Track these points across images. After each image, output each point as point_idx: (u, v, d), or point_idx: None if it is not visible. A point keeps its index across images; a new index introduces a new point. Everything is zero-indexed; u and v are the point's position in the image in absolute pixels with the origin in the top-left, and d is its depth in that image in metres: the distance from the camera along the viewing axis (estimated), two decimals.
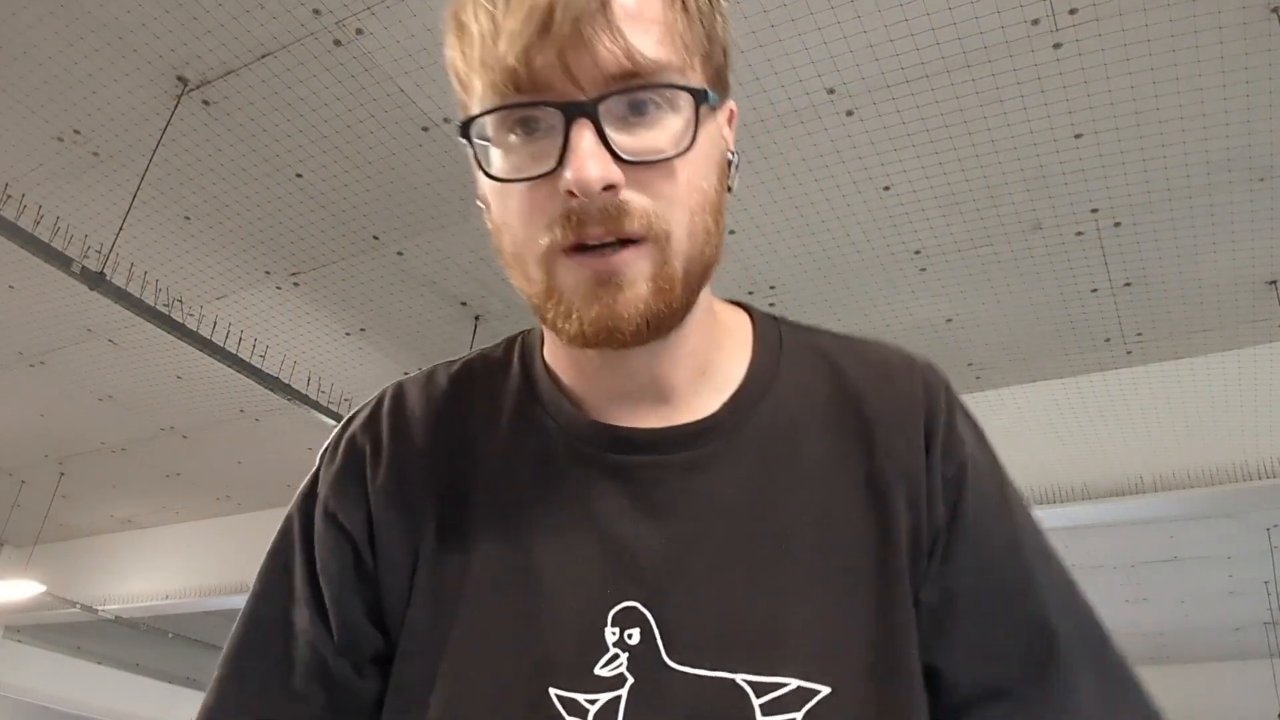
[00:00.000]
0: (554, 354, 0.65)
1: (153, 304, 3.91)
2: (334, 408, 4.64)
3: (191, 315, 4.78)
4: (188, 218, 4.31)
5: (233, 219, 4.28)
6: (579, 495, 0.60)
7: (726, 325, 0.65)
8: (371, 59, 3.36)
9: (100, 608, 7.72)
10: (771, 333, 0.66)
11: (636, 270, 0.53)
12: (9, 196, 4.10)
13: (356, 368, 5.44)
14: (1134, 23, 2.99)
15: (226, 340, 4.42)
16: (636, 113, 0.53)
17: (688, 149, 0.53)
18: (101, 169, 4.04)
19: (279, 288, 4.77)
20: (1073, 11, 2.97)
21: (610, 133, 0.51)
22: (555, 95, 0.52)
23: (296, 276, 4.66)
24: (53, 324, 5.24)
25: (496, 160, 0.55)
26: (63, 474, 7.14)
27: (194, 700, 10.75)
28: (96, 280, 3.61)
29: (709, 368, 0.62)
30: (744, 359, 0.64)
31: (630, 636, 0.56)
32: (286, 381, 4.51)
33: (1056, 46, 3.08)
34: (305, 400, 4.50)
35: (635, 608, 0.56)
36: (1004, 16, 3.00)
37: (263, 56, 3.42)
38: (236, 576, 7.49)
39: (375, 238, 4.30)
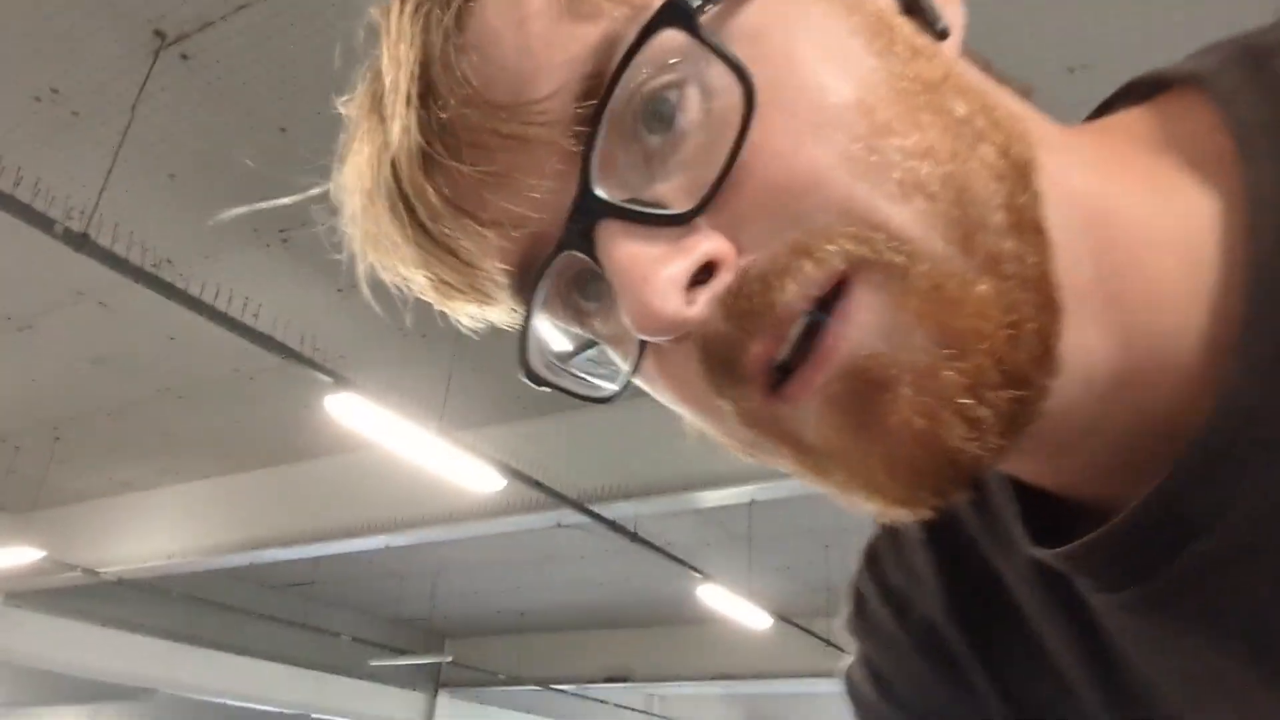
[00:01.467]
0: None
1: (140, 265, 3.86)
2: (328, 365, 4.61)
3: (181, 275, 4.72)
4: (172, 176, 4.24)
5: (217, 176, 4.21)
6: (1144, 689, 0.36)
7: (1158, 187, 0.32)
8: (353, 5, 3.28)
9: (101, 570, 7.77)
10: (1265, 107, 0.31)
11: (868, 336, 0.28)
12: None
13: (349, 325, 5.41)
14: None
15: (217, 299, 4.37)
16: (637, 133, 0.31)
17: (747, 93, 0.29)
18: (81, 128, 3.96)
19: (268, 245, 4.71)
20: None
21: (630, 198, 0.31)
22: (518, 232, 0.33)
23: (285, 234, 4.60)
24: (40, 287, 5.18)
25: (612, 374, 0.36)
26: (58, 438, 7.13)
27: (196, 657, 10.93)
28: (81, 241, 3.55)
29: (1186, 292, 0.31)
30: (1229, 218, 0.30)
31: None
32: (280, 340, 4.47)
33: None
34: (299, 358, 4.47)
35: None
36: None
37: (240, 8, 3.33)
38: (238, 535, 7.53)
39: None
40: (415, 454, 4.83)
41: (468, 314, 0.39)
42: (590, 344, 0.36)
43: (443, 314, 0.44)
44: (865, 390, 0.28)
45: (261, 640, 11.20)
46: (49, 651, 9.98)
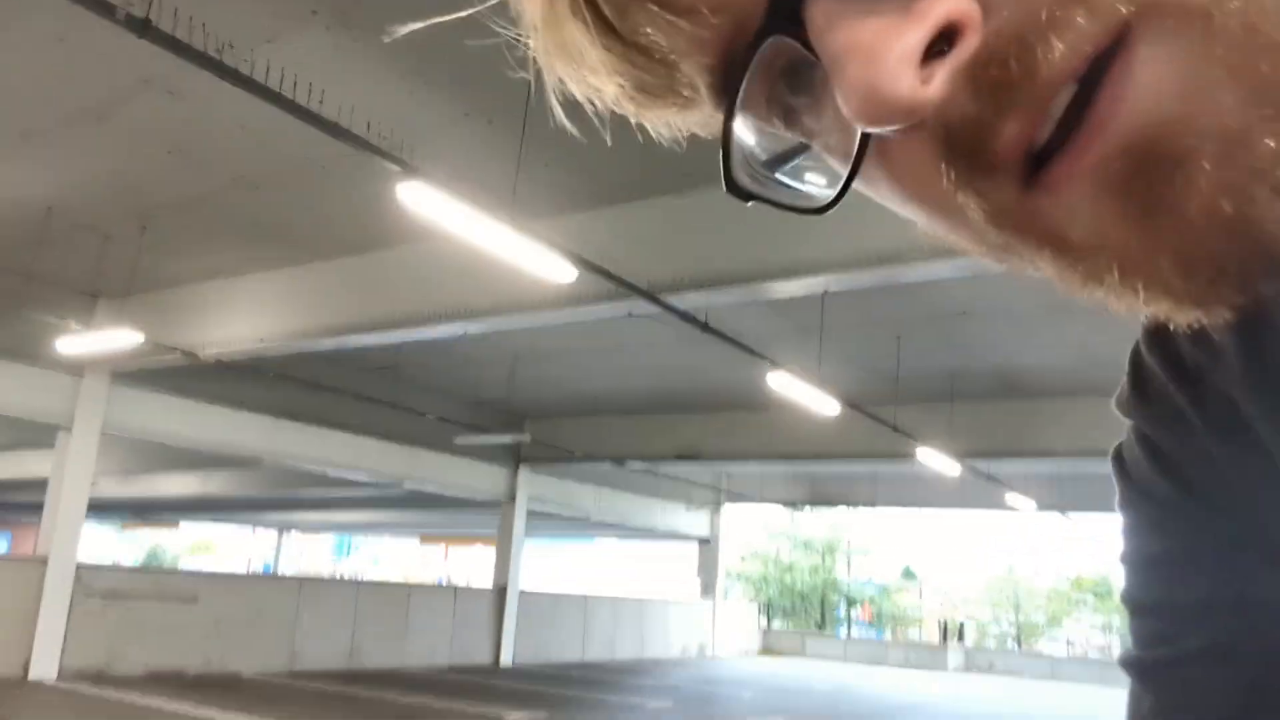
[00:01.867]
0: None
1: (203, 49, 3.79)
2: (397, 153, 4.57)
3: (245, 60, 4.65)
4: None
5: None
6: None
7: None
8: None
9: (200, 351, 8.21)
10: None
11: (1158, 98, 0.23)
12: None
13: (415, 111, 5.31)
14: None
15: (282, 85, 4.31)
16: None
17: None
18: None
19: (328, 28, 4.57)
20: None
21: None
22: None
23: (345, 16, 4.44)
24: (108, 77, 5.16)
25: (815, 174, 0.31)
26: (145, 227, 7.35)
27: (297, 431, 11.62)
28: (143, 27, 3.49)
29: None
30: None
31: None
32: (347, 127, 4.43)
33: None
34: (367, 146, 4.44)
35: None
36: None
37: None
38: (321, 320, 7.82)
39: None
40: (487, 243, 4.85)
41: (666, 122, 0.34)
42: (803, 147, 0.31)
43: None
44: (1154, 168, 0.23)
45: (355, 417, 11.90)
46: (160, 426, 10.78)
